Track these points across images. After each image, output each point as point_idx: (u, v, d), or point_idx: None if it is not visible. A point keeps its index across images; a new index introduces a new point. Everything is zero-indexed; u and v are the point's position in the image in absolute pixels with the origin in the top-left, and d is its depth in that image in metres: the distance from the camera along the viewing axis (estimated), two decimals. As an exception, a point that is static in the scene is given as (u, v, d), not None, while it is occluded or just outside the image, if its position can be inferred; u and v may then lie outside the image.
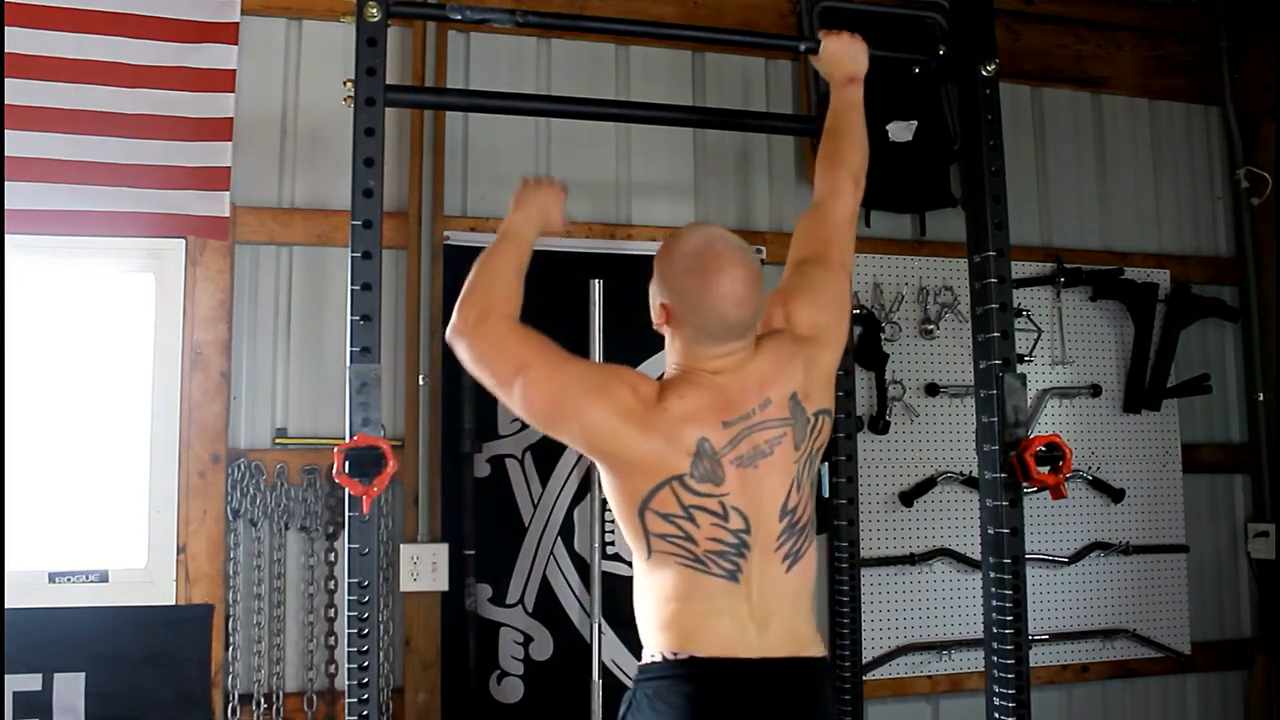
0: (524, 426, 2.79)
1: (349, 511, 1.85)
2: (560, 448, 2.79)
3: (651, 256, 1.79)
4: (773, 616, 1.67)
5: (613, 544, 2.78)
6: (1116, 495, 3.25)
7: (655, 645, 1.68)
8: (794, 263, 1.94)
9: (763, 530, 1.67)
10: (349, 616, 1.84)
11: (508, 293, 1.76)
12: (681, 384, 1.70)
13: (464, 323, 1.72)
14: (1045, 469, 2.01)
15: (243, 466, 2.61)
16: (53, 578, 2.51)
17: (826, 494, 2.74)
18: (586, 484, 2.79)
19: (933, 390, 3.12)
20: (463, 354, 1.73)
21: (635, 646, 1.79)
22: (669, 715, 1.62)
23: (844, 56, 2.08)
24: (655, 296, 1.75)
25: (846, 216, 1.96)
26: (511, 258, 1.81)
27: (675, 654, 1.64)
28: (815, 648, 1.72)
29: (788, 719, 1.66)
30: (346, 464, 1.79)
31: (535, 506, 2.79)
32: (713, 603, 1.65)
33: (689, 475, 1.64)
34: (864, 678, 2.51)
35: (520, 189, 1.93)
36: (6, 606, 2.20)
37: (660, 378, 1.76)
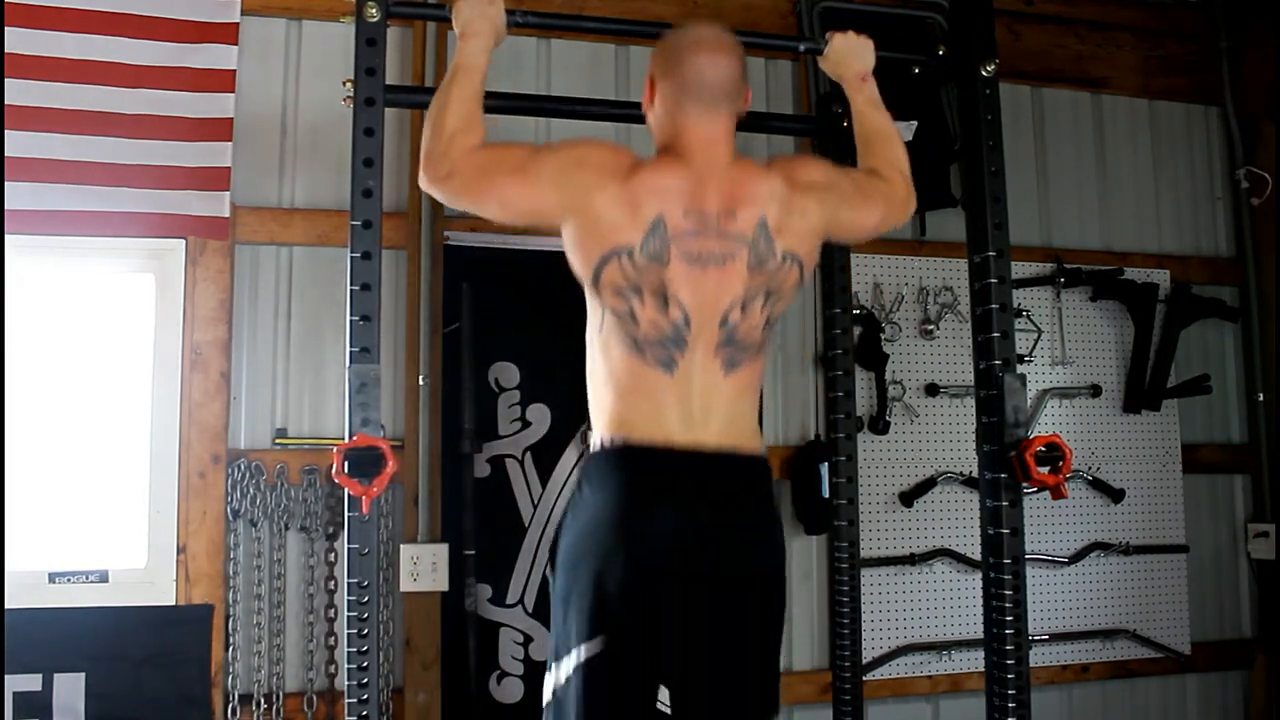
0: (524, 426, 2.79)
1: (349, 511, 1.85)
2: (560, 448, 2.80)
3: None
4: (710, 414, 1.73)
5: (613, 544, 2.77)
6: (1116, 495, 3.25)
7: (597, 432, 1.76)
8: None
9: (704, 332, 1.73)
10: (349, 616, 1.84)
11: (470, 126, 1.79)
12: (658, 161, 1.80)
13: (434, 176, 1.77)
14: (1045, 469, 2.01)
15: (243, 467, 2.61)
16: (53, 578, 2.51)
17: (826, 494, 2.73)
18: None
19: (933, 390, 3.12)
20: (442, 197, 1.83)
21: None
22: (603, 496, 1.70)
23: (853, 54, 2.09)
24: (646, 77, 1.86)
25: (897, 199, 1.99)
26: (469, 92, 1.82)
27: (612, 440, 1.72)
28: (751, 444, 1.78)
29: (715, 505, 1.71)
30: (346, 464, 1.79)
31: (535, 506, 2.79)
32: (649, 393, 1.72)
33: (638, 250, 1.70)
34: (864, 678, 2.51)
35: (456, 11, 1.91)
36: (6, 606, 2.20)
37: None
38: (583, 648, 1.66)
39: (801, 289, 1.86)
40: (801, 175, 1.85)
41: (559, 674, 1.70)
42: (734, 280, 1.74)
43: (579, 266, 1.76)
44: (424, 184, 1.79)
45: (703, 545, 1.69)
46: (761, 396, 1.89)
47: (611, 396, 1.75)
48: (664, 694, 1.66)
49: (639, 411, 1.72)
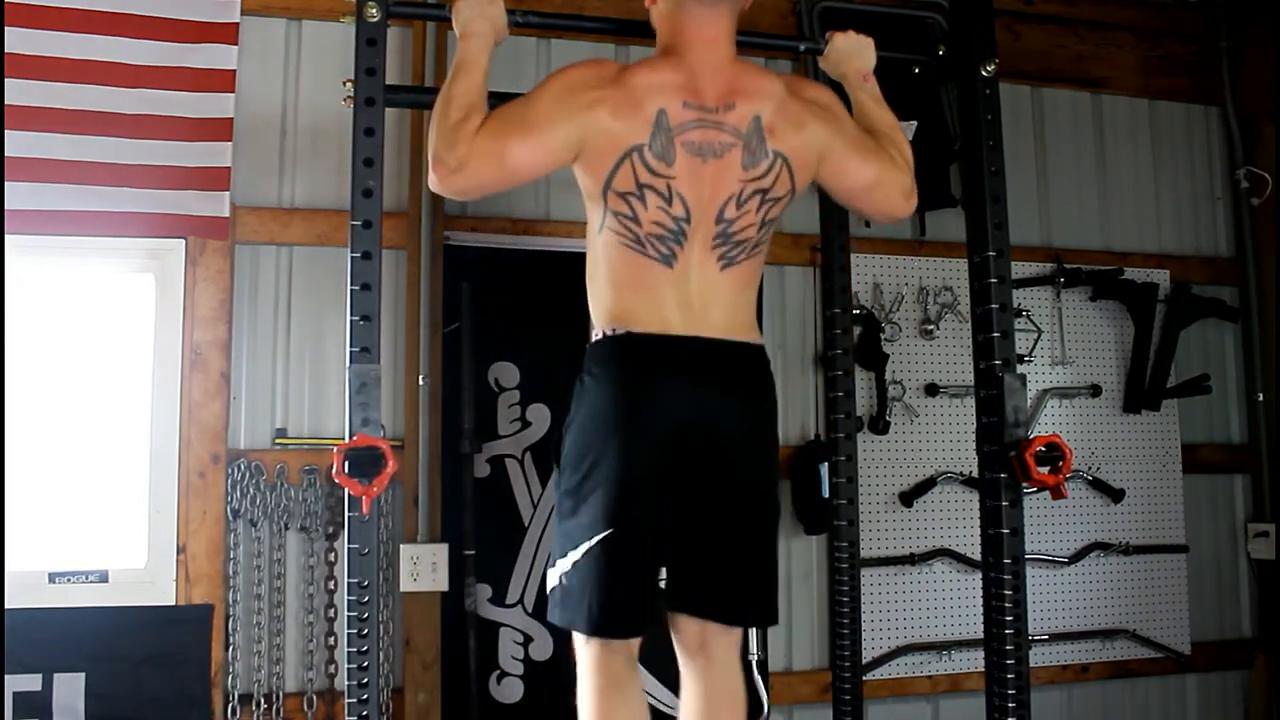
0: (524, 426, 2.79)
1: (349, 511, 1.85)
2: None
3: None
4: (709, 307, 1.78)
5: (613, 544, 2.77)
6: (1116, 495, 3.25)
7: (598, 324, 1.81)
8: None
9: (701, 225, 1.76)
10: (349, 616, 1.83)
11: (470, 116, 1.77)
12: (655, 60, 1.82)
13: (446, 171, 1.76)
14: (1045, 469, 2.00)
15: (243, 467, 2.61)
16: (53, 578, 2.51)
17: (826, 494, 2.73)
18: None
19: (933, 390, 3.12)
20: (456, 194, 1.83)
21: (635, 646, 1.82)
22: (607, 385, 1.75)
23: (853, 54, 2.09)
24: None
25: (899, 183, 1.95)
26: (472, 92, 1.82)
27: (614, 330, 1.77)
28: (749, 334, 1.83)
29: (716, 392, 1.76)
30: (346, 464, 1.79)
31: (535, 506, 2.79)
32: (649, 286, 1.76)
33: (647, 147, 1.73)
34: (864, 678, 2.51)
35: (455, 11, 1.91)
36: (6, 606, 2.20)
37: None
38: (594, 537, 1.71)
39: (794, 199, 1.86)
40: (806, 91, 1.88)
41: (569, 559, 1.75)
42: (729, 175, 1.77)
43: (590, 180, 1.78)
44: (436, 186, 1.77)
45: (702, 428, 1.75)
46: (762, 296, 1.91)
47: (610, 291, 1.79)
48: (663, 573, 1.78)
49: (638, 303, 1.77)
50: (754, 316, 1.86)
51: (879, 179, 1.92)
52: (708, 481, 1.77)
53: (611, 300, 1.79)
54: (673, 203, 1.75)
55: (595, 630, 1.73)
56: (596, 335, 1.80)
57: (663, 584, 1.78)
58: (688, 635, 1.85)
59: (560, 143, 1.75)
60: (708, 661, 1.84)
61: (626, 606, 1.74)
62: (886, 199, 1.94)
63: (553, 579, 1.79)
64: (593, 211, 1.81)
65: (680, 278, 1.76)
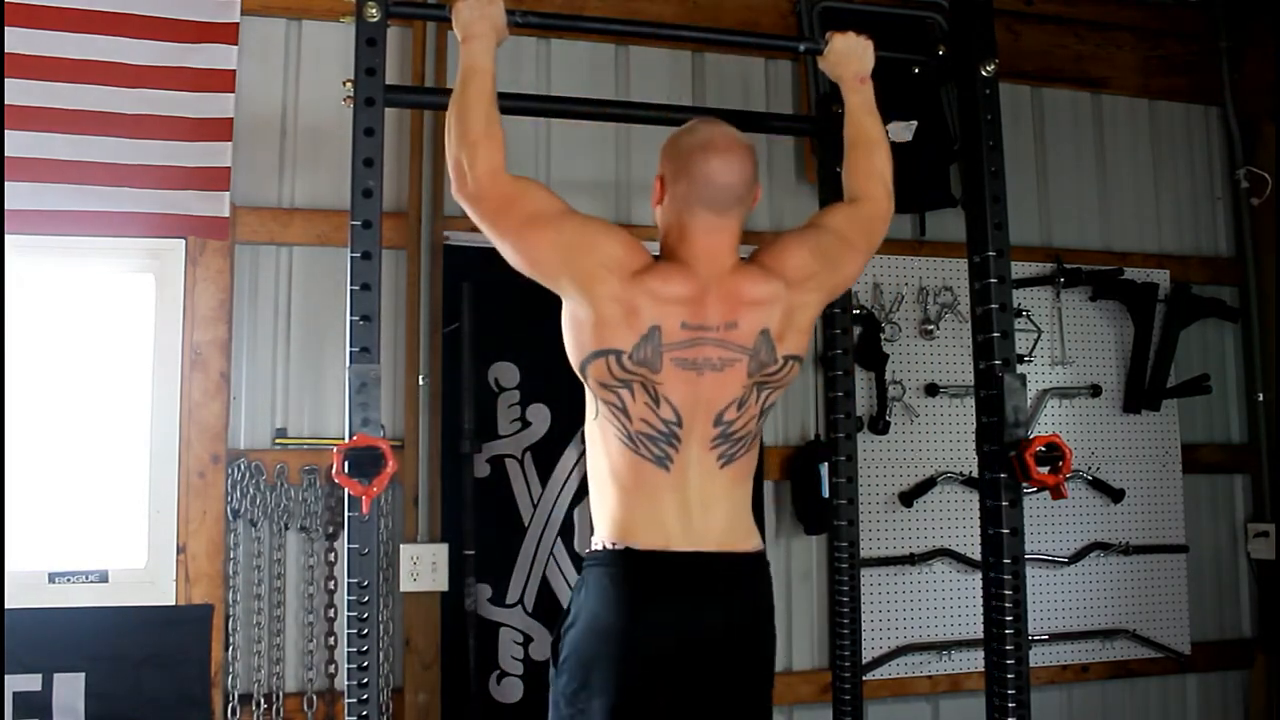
0: (524, 426, 2.79)
1: (349, 511, 1.85)
2: (560, 448, 2.80)
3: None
4: (709, 511, 1.76)
5: (613, 544, 2.77)
6: (1116, 495, 3.25)
7: (600, 532, 1.79)
8: (809, 222, 2.01)
9: (696, 429, 1.75)
10: (349, 616, 1.84)
11: (490, 137, 1.79)
12: (667, 267, 1.78)
13: (464, 192, 1.77)
14: (1045, 469, 2.00)
15: (243, 467, 2.61)
16: (53, 578, 2.51)
17: (826, 494, 2.73)
18: (586, 484, 2.77)
19: (933, 390, 3.12)
20: (470, 215, 1.81)
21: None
22: (605, 600, 1.73)
23: (852, 55, 2.09)
24: (656, 176, 1.86)
25: (878, 217, 2.01)
26: (484, 95, 1.82)
27: (614, 544, 1.76)
28: (749, 542, 1.82)
29: (718, 609, 1.75)
30: (346, 464, 1.79)
31: (535, 506, 2.79)
32: (648, 491, 1.75)
33: (627, 355, 1.72)
34: (864, 678, 2.51)
35: (455, 13, 1.91)
36: (6, 606, 2.20)
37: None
38: None
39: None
40: (794, 266, 1.84)
41: None
42: (732, 384, 1.76)
43: (570, 352, 1.79)
44: (457, 195, 1.80)
45: (702, 649, 1.73)
46: (762, 478, 1.91)
47: (613, 497, 1.78)
48: None
49: (638, 514, 1.75)
50: (751, 516, 1.85)
51: (867, 249, 1.98)
52: (709, 692, 1.75)
53: (614, 506, 1.77)
54: (660, 406, 1.73)
55: None
56: (597, 545, 1.79)
57: None
58: None
59: (554, 268, 1.76)
60: None
61: None
62: (875, 240, 2.01)
63: None
64: (588, 396, 1.81)
65: (678, 482, 1.75)
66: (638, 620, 1.71)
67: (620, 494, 1.77)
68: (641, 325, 1.72)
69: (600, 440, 1.80)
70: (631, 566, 1.74)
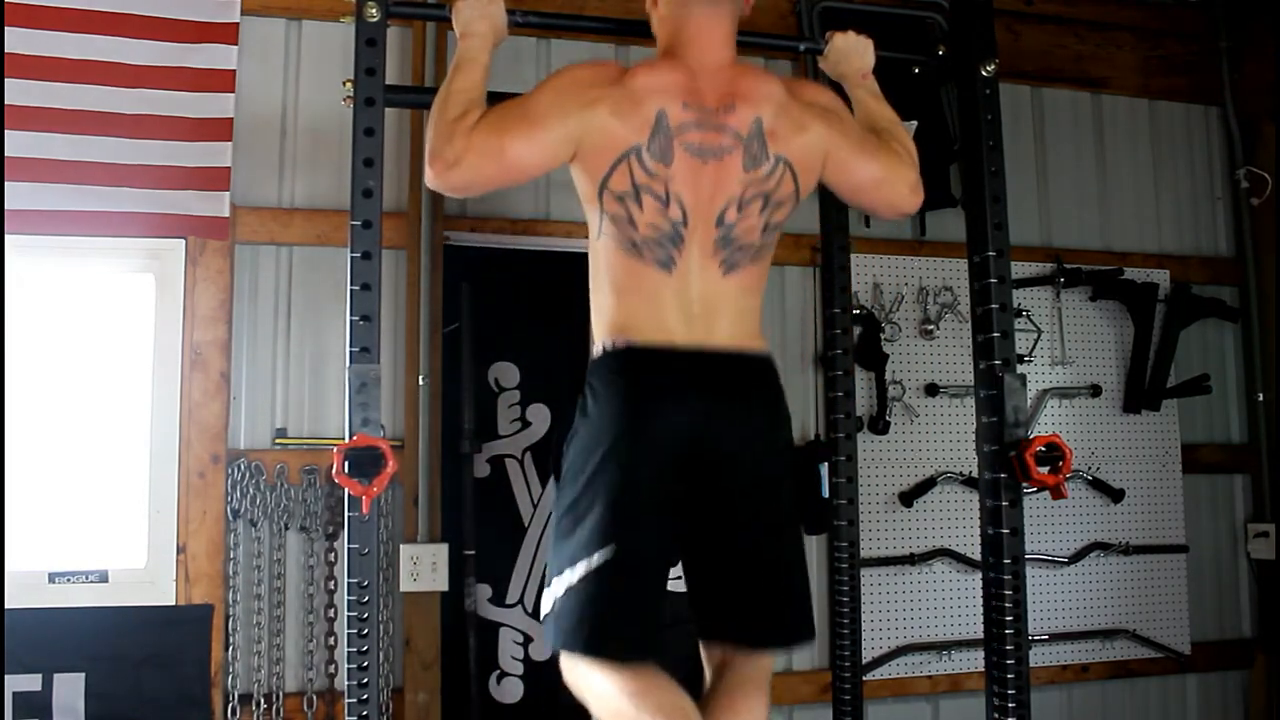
0: (524, 426, 2.79)
1: (349, 511, 1.85)
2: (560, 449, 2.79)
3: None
4: (711, 314, 1.73)
5: (613, 544, 2.77)
6: (1116, 495, 3.25)
7: (600, 337, 1.76)
8: None
9: (699, 228, 1.73)
10: (349, 616, 1.83)
11: (469, 113, 1.75)
12: (656, 62, 1.81)
13: (443, 166, 1.72)
14: (1045, 469, 2.00)
15: (243, 466, 2.61)
16: (53, 578, 2.51)
17: (826, 494, 2.73)
18: (586, 484, 2.79)
19: (933, 390, 3.12)
20: (452, 190, 1.80)
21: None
22: (609, 401, 1.69)
23: (853, 54, 2.09)
24: None
25: (905, 176, 1.93)
26: (469, 84, 1.81)
27: (614, 344, 1.73)
28: (755, 344, 1.78)
29: (721, 405, 1.71)
30: (346, 464, 1.78)
31: (535, 506, 2.79)
32: (648, 293, 1.72)
33: (645, 148, 1.71)
34: (864, 678, 2.51)
35: (456, 12, 1.90)
36: (6, 606, 2.20)
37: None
38: (595, 555, 1.64)
39: (798, 203, 1.84)
40: (806, 93, 1.87)
41: (565, 580, 1.66)
42: (729, 178, 1.75)
43: (586, 181, 1.76)
44: (432, 181, 1.73)
45: (711, 446, 1.69)
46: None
47: (611, 300, 1.75)
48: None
49: (639, 313, 1.72)
50: (758, 323, 1.81)
51: (884, 175, 1.90)
52: (720, 498, 1.70)
53: (612, 309, 1.75)
54: (669, 205, 1.72)
55: (613, 652, 1.63)
56: (597, 350, 1.75)
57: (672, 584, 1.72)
58: (712, 660, 1.79)
59: (559, 139, 1.73)
60: (730, 682, 1.74)
61: (638, 630, 1.65)
62: (893, 194, 1.92)
63: (548, 601, 1.70)
64: (590, 216, 1.79)
65: (680, 283, 1.72)
66: (644, 416, 1.66)
67: (620, 297, 1.74)
68: (648, 113, 1.71)
69: (602, 255, 1.77)
70: (634, 361, 1.70)
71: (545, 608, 1.71)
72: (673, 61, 1.80)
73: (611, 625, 1.63)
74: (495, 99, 1.86)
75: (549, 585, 1.71)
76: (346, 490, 1.81)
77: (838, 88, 2.17)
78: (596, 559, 1.63)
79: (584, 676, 1.67)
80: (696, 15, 1.80)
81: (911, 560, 3.06)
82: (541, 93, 1.78)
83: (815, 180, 1.87)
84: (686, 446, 1.67)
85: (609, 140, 1.72)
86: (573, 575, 1.65)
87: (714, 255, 1.75)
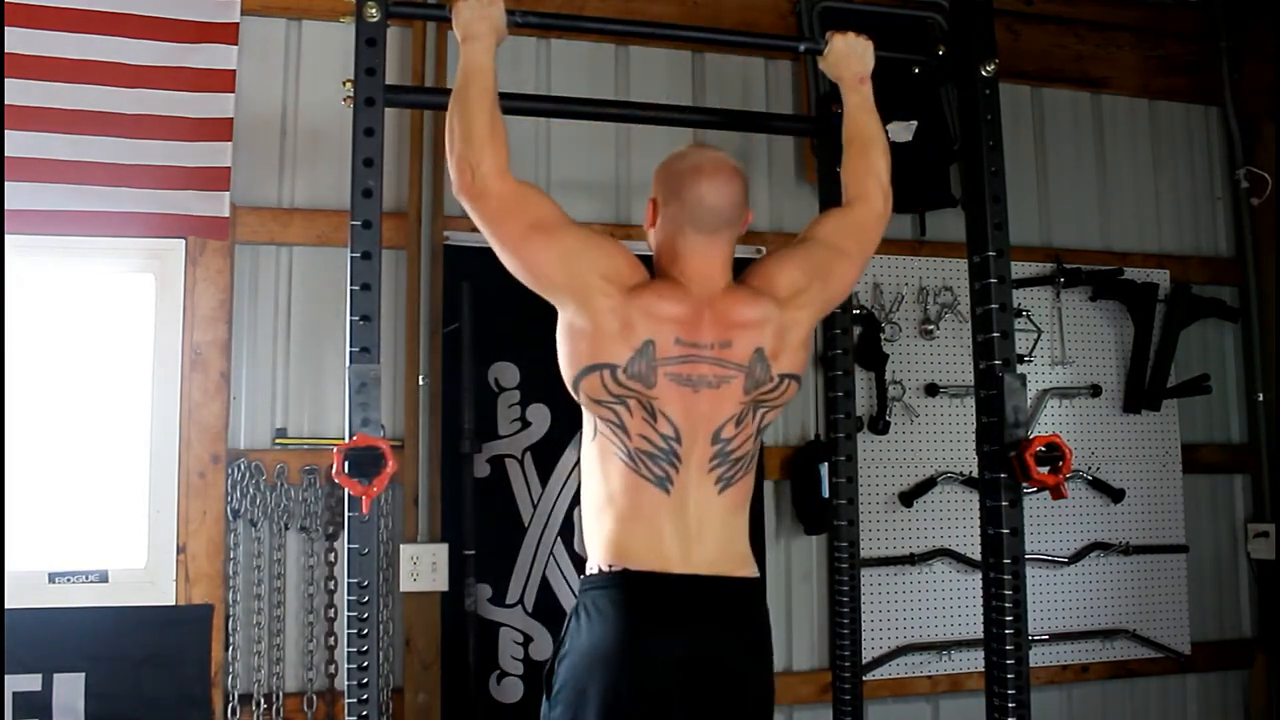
0: (524, 426, 2.79)
1: (349, 511, 1.85)
2: (560, 448, 2.80)
3: (652, 256, 1.85)
4: (705, 537, 1.75)
5: (613, 544, 2.77)
6: (1116, 495, 3.25)
7: (595, 557, 1.77)
8: (801, 236, 2.00)
9: (696, 447, 1.75)
10: (349, 616, 1.84)
11: (495, 135, 1.79)
12: (662, 285, 1.79)
13: (468, 190, 1.76)
14: (1045, 469, 2.00)
15: (243, 467, 2.61)
16: (53, 578, 2.51)
17: (826, 494, 2.73)
18: (586, 484, 2.79)
19: (933, 390, 3.12)
20: (469, 212, 1.80)
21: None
22: (602, 624, 1.71)
23: (852, 55, 2.09)
24: (649, 199, 1.88)
25: (873, 219, 2.01)
26: (486, 94, 1.82)
27: (610, 566, 1.74)
28: (746, 569, 1.80)
29: (714, 634, 1.73)
30: (346, 464, 1.79)
31: (535, 506, 2.79)
32: (646, 517, 1.73)
33: (622, 369, 1.72)
34: (864, 678, 2.51)
35: (455, 13, 1.91)
36: (6, 606, 2.20)
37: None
38: None
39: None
40: (784, 284, 1.85)
41: None
42: (728, 401, 1.76)
43: (564, 366, 1.78)
44: (459, 192, 1.78)
45: (705, 670, 1.71)
46: (762, 478, 1.90)
47: (610, 520, 1.76)
48: None
49: (638, 538, 1.73)
50: (747, 542, 1.83)
51: (861, 257, 1.98)
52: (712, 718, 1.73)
53: (610, 530, 1.75)
54: (658, 420, 1.73)
55: None
56: (593, 569, 1.77)
57: None
58: None
59: (554, 277, 1.76)
60: None
61: None
62: (872, 236, 2.01)
63: None
64: (585, 417, 1.81)
65: (678, 506, 1.74)
66: (637, 643, 1.69)
67: (617, 517, 1.75)
68: (635, 340, 1.72)
69: (598, 461, 1.78)
70: (630, 588, 1.71)
71: None
72: (678, 290, 1.78)
73: None
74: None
75: None
76: (346, 490, 1.81)
77: (837, 89, 2.19)
78: None
79: None
80: (695, 244, 1.80)
81: (911, 560, 3.06)
82: (580, 232, 1.80)
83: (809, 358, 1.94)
84: (679, 671, 1.70)
85: (590, 338, 1.73)
86: None
87: (710, 474, 1.76)
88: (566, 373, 1.78)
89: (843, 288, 1.98)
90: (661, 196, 1.84)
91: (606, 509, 1.76)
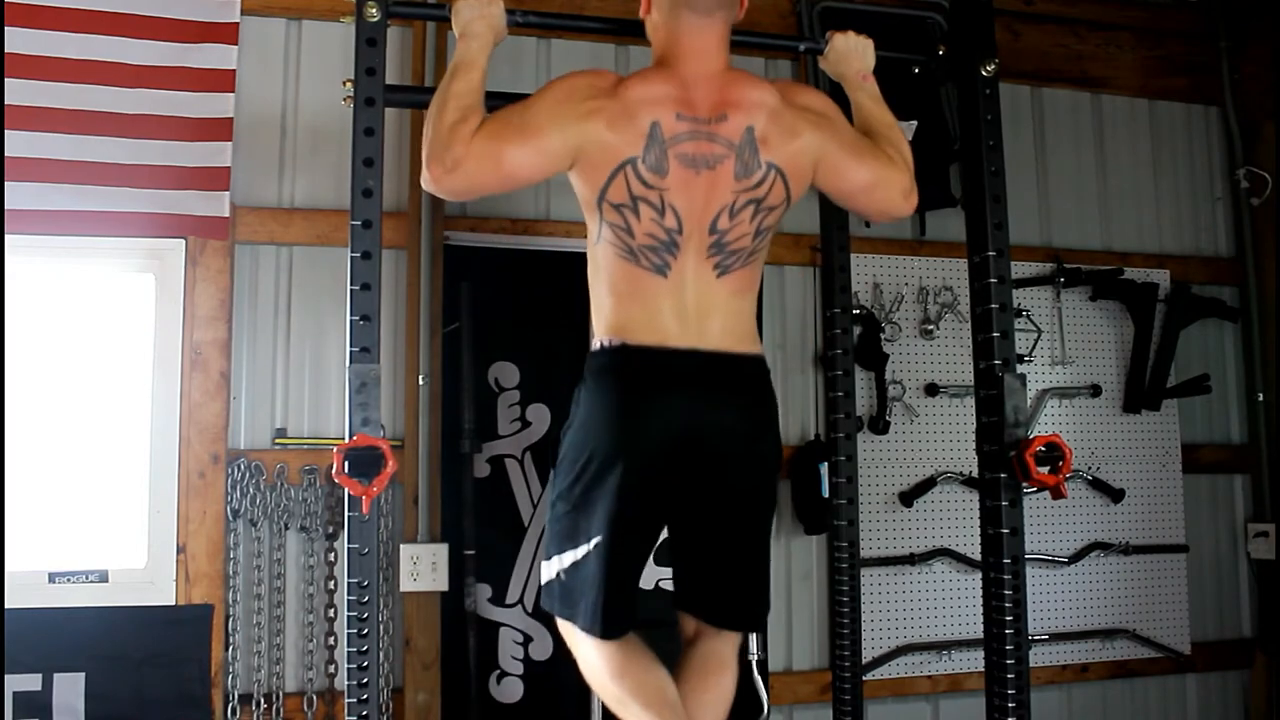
0: (524, 426, 2.79)
1: (349, 511, 1.85)
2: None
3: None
4: (705, 316, 1.78)
5: (613, 544, 2.77)
6: (1116, 495, 3.25)
7: (597, 333, 1.82)
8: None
9: (694, 235, 1.77)
10: (349, 616, 1.84)
11: (467, 118, 1.76)
12: (650, 72, 1.82)
13: (441, 171, 1.74)
14: (1045, 469, 2.00)
15: (242, 466, 2.61)
16: (53, 578, 2.51)
17: (826, 494, 2.73)
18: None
19: (933, 390, 3.12)
20: (451, 194, 1.82)
21: (635, 646, 1.82)
22: (600, 394, 1.77)
23: (853, 54, 2.09)
24: None
25: (898, 181, 1.93)
26: (467, 87, 1.81)
27: (611, 342, 1.78)
28: (748, 346, 1.83)
29: (714, 404, 1.77)
30: (346, 464, 1.79)
31: (535, 506, 2.79)
32: (645, 298, 1.77)
33: (640, 160, 1.74)
34: (864, 678, 2.51)
35: (455, 13, 1.91)
36: (6, 606, 2.20)
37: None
38: (590, 542, 1.75)
39: (790, 207, 1.86)
40: (799, 98, 1.88)
41: (567, 558, 1.79)
42: (722, 185, 1.78)
43: (585, 189, 1.80)
44: (429, 185, 1.76)
45: (702, 441, 1.76)
46: (762, 296, 1.93)
47: (609, 302, 1.80)
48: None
49: (635, 315, 1.77)
50: (753, 325, 1.86)
51: (876, 180, 1.91)
52: (704, 492, 1.80)
53: (610, 310, 1.80)
54: (665, 214, 1.76)
55: (600, 632, 1.77)
56: (594, 345, 1.82)
57: (664, 585, 1.82)
58: (686, 629, 1.95)
59: (557, 150, 1.76)
60: (701, 654, 1.92)
61: (621, 609, 1.79)
62: (885, 199, 1.93)
63: (549, 572, 1.83)
64: (590, 221, 1.83)
65: (676, 287, 1.77)
66: (637, 410, 1.73)
67: (617, 300, 1.79)
68: (642, 125, 1.74)
69: (601, 259, 1.81)
70: (629, 360, 1.76)
71: (544, 577, 1.85)
72: (666, 71, 1.81)
73: (601, 608, 1.75)
74: (495, 99, 1.86)
75: (547, 559, 1.84)
76: (346, 490, 1.81)
77: (837, 89, 2.19)
78: (590, 545, 1.76)
79: (576, 643, 1.84)
80: (689, 25, 1.82)
81: (911, 560, 3.06)
82: (540, 102, 1.79)
83: (807, 185, 1.89)
84: (677, 440, 1.75)
85: (605, 153, 1.75)
86: (569, 558, 1.79)
87: (708, 260, 1.79)
88: (590, 190, 1.78)
89: (844, 169, 1.88)
90: None
91: (608, 297, 1.80)
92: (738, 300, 1.82)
